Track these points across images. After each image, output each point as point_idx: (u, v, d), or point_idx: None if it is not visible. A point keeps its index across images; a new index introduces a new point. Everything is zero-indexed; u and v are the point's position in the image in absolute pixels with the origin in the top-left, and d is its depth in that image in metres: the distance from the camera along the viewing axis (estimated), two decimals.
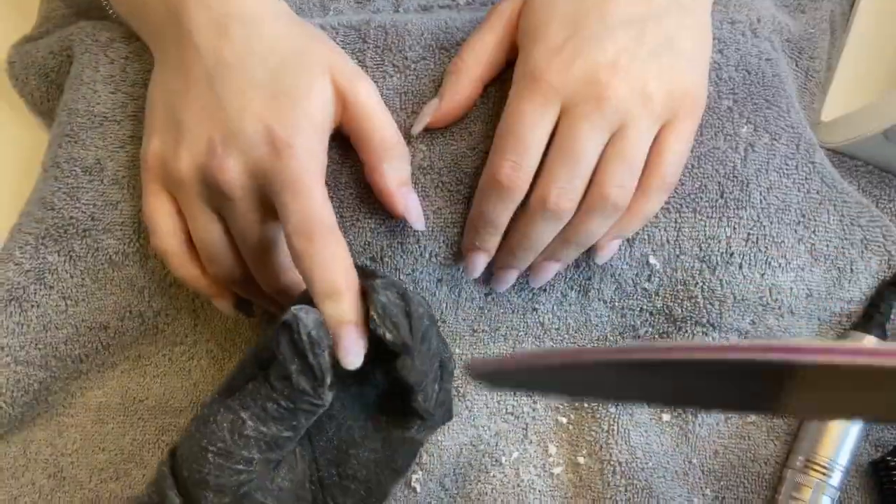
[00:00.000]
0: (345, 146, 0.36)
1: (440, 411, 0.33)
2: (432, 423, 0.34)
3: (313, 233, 0.30)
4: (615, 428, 0.39)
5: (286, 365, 0.27)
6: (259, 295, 0.36)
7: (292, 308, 0.28)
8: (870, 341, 0.39)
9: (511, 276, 0.37)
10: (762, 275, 0.38)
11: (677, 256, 0.38)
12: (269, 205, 0.32)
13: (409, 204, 0.35)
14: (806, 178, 0.38)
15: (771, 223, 0.38)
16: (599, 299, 0.39)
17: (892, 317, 0.40)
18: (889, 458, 0.39)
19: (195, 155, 0.32)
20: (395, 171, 0.34)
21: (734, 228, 0.37)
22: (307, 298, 0.30)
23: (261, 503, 0.29)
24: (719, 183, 0.37)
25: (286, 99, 0.32)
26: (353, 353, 0.28)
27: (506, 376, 0.23)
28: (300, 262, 0.30)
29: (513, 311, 0.40)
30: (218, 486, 0.28)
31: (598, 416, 0.40)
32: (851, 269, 0.39)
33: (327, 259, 0.30)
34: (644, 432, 0.39)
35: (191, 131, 0.33)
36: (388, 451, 0.34)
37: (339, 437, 0.33)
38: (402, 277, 0.38)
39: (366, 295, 0.30)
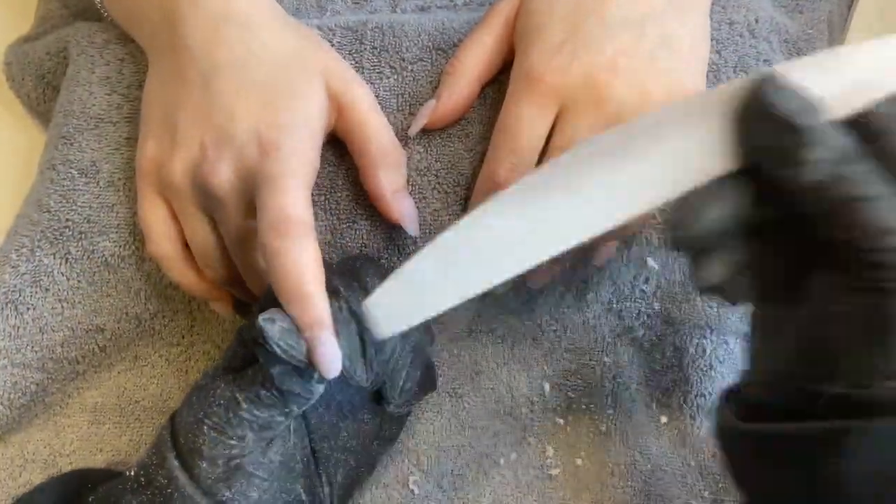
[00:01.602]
0: (341, 149, 0.36)
1: (413, 392, 0.34)
2: (410, 399, 0.35)
3: (285, 230, 0.29)
4: (613, 429, 0.39)
5: (268, 369, 0.28)
6: (256, 297, 0.36)
7: (259, 318, 0.28)
8: None
9: None
10: None
11: (675, 258, 0.38)
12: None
13: (403, 210, 0.35)
14: None
15: None
16: (597, 301, 0.39)
17: None
18: None
19: (188, 158, 0.32)
20: (390, 178, 0.34)
21: None
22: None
23: (251, 475, 0.29)
24: None
25: (279, 102, 0.32)
26: (328, 362, 0.28)
27: None
28: (268, 259, 0.29)
29: (510, 313, 0.40)
30: (211, 456, 0.29)
31: (596, 417, 0.40)
32: None
33: (294, 259, 0.29)
34: (642, 434, 0.39)
35: (184, 134, 0.32)
36: (377, 422, 0.34)
37: (329, 412, 0.33)
38: None
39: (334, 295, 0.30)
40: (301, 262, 0.29)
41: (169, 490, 0.29)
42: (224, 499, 0.29)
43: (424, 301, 0.26)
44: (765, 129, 0.22)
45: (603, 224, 0.24)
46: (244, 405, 0.29)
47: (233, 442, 0.29)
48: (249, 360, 0.31)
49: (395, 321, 0.26)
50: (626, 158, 0.24)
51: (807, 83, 0.23)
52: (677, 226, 0.24)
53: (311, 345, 0.28)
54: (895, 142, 0.22)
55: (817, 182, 0.22)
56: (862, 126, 0.23)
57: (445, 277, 0.25)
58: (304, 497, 0.32)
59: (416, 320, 0.26)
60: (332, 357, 0.28)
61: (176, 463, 0.29)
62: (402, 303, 0.26)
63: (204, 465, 0.29)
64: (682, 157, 0.24)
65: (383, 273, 0.33)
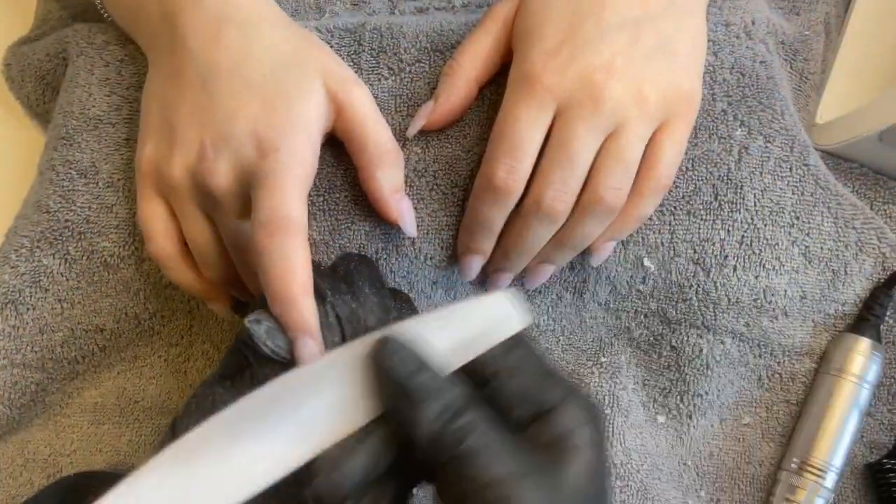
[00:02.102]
0: (340, 150, 0.36)
1: None
2: None
3: (275, 230, 0.29)
4: (610, 430, 0.39)
5: (262, 370, 0.28)
6: (254, 297, 0.36)
7: (245, 320, 0.28)
8: (864, 343, 0.39)
9: (506, 279, 0.37)
10: (756, 277, 0.38)
11: (672, 259, 0.38)
12: None
13: (402, 211, 0.35)
14: (800, 181, 0.38)
15: (765, 225, 0.38)
16: (594, 301, 0.39)
17: (886, 319, 0.40)
18: (885, 460, 0.39)
19: (187, 159, 0.33)
20: (388, 178, 0.34)
21: (728, 231, 0.37)
22: None
23: None
24: (713, 185, 0.37)
25: (278, 103, 0.32)
26: (308, 360, 0.29)
27: None
28: (258, 259, 0.30)
29: None
30: None
31: None
32: (846, 272, 0.39)
33: (282, 260, 0.29)
34: (639, 434, 0.39)
35: (183, 135, 0.33)
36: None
37: None
38: (397, 280, 0.38)
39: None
40: (288, 263, 0.29)
41: None
42: None
43: None
44: (384, 390, 0.25)
45: (253, 488, 0.25)
46: None
47: None
48: (243, 366, 0.31)
49: None
50: (274, 420, 0.25)
51: (427, 337, 0.25)
52: (321, 479, 0.25)
53: (293, 346, 0.28)
54: (502, 385, 0.25)
55: (428, 439, 0.24)
56: (475, 373, 0.26)
57: None
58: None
59: None
60: (313, 359, 0.29)
61: None
62: None
63: None
64: (326, 413, 0.25)
65: (377, 276, 0.33)
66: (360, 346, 0.26)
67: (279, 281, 0.29)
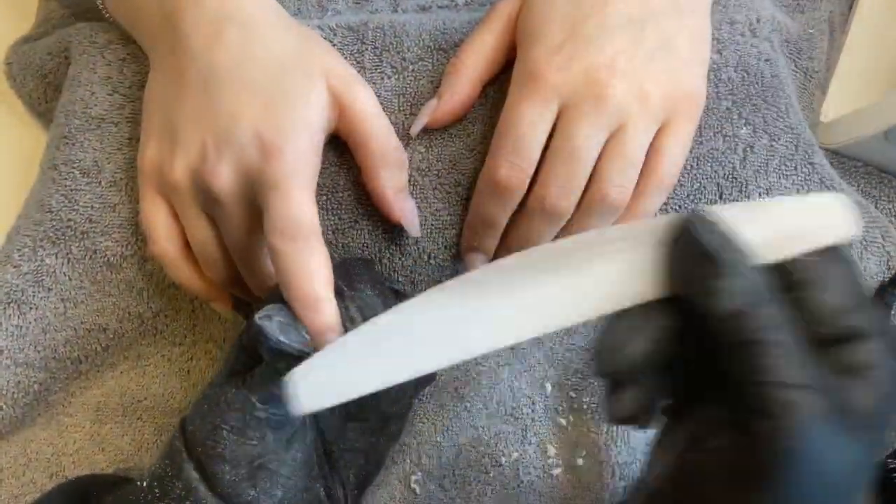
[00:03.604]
0: (343, 149, 0.36)
1: (411, 388, 0.35)
2: (409, 395, 0.35)
3: (294, 234, 0.30)
4: (615, 429, 0.39)
5: (274, 366, 0.28)
6: (256, 297, 0.36)
7: (255, 317, 0.29)
8: None
9: None
10: None
11: None
12: (258, 209, 0.32)
13: (405, 210, 0.35)
14: (805, 179, 0.38)
15: None
16: None
17: (891, 318, 0.40)
18: (889, 460, 0.39)
19: (189, 160, 0.32)
20: (391, 178, 0.34)
21: None
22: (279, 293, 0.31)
23: (275, 472, 0.30)
24: (718, 184, 0.37)
25: (280, 103, 0.32)
26: None
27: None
28: (278, 263, 0.30)
29: None
30: (234, 458, 0.29)
31: (598, 417, 0.40)
32: None
33: (305, 263, 0.29)
34: (644, 434, 0.39)
35: (185, 136, 0.33)
36: (382, 420, 0.35)
37: (334, 414, 0.33)
38: (400, 279, 0.38)
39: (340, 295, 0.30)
40: (311, 265, 0.29)
41: (188, 501, 0.29)
42: (249, 498, 0.29)
43: (349, 382, 0.25)
44: (687, 258, 0.23)
45: (530, 332, 0.25)
46: (259, 405, 0.29)
47: (254, 442, 0.29)
48: (251, 363, 0.31)
49: (316, 399, 0.26)
50: (562, 271, 0.25)
51: (737, 225, 0.23)
52: (602, 356, 0.24)
53: (317, 344, 0.29)
54: (810, 296, 0.23)
55: (726, 314, 0.22)
56: (785, 274, 0.23)
57: (374, 360, 0.25)
58: (322, 496, 0.32)
59: (338, 400, 0.26)
60: None
61: (195, 474, 0.29)
62: (326, 381, 0.26)
63: (227, 467, 0.29)
64: (614, 278, 0.24)
65: (377, 278, 0.33)
66: (659, 223, 0.24)
67: (303, 285, 0.29)
